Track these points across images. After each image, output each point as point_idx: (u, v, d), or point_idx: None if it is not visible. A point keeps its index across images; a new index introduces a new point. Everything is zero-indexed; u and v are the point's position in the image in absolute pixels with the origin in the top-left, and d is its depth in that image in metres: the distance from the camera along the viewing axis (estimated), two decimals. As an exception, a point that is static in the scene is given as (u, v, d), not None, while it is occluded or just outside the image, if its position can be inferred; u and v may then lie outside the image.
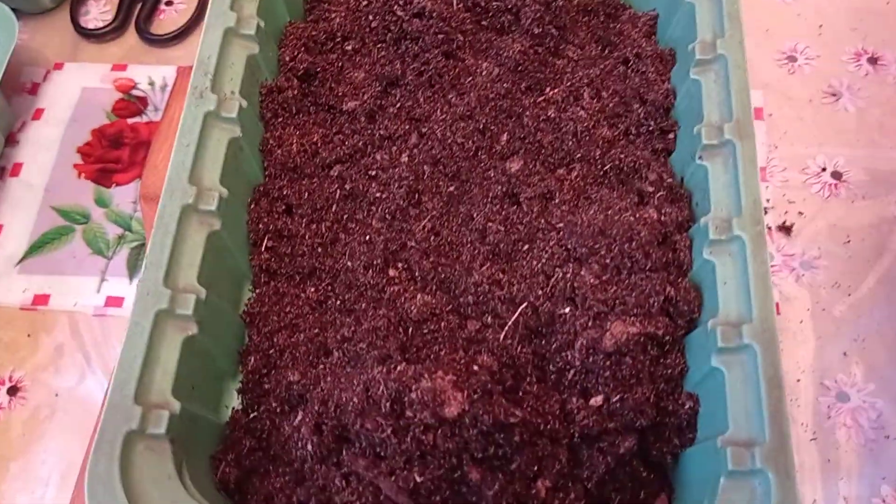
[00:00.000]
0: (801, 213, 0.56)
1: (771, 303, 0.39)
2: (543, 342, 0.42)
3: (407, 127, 0.50)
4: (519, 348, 0.42)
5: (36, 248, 0.56)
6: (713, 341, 0.38)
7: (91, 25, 0.65)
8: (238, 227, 0.45)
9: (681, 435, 0.40)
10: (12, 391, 0.51)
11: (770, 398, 0.36)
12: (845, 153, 0.59)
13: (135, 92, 0.63)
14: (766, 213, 0.56)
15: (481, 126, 0.49)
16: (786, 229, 0.56)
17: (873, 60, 0.63)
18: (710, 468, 0.37)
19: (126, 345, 0.37)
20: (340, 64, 0.52)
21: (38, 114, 0.62)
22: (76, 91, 0.63)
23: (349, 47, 0.52)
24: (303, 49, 0.51)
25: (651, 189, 0.46)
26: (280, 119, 0.50)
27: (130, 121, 0.61)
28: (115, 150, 0.60)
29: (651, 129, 0.49)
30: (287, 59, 0.51)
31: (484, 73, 0.50)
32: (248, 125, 0.45)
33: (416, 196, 0.48)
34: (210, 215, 0.41)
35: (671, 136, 0.48)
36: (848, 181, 0.58)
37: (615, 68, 0.51)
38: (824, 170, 0.58)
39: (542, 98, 0.50)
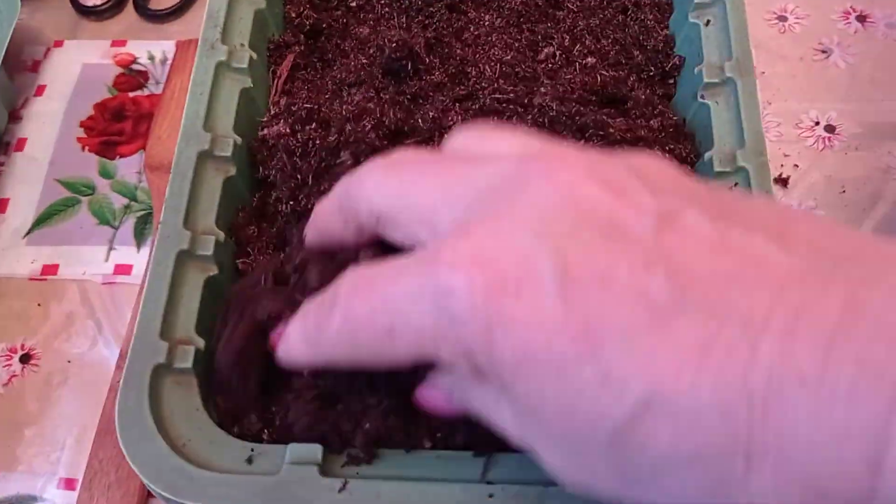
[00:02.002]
0: (796, 166, 0.57)
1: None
2: None
3: None
4: None
5: (43, 219, 0.56)
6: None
7: (90, 3, 0.66)
8: (250, 177, 0.46)
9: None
10: (25, 359, 0.51)
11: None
12: (838, 107, 0.60)
13: (135, 66, 0.63)
14: (762, 165, 0.57)
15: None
16: (782, 181, 0.57)
17: (862, 18, 0.64)
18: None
19: (149, 284, 0.37)
20: (345, 20, 0.53)
21: (39, 90, 0.62)
22: (77, 67, 0.63)
23: (353, 4, 0.53)
24: (308, 6, 0.52)
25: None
26: (288, 74, 0.50)
27: (132, 94, 0.62)
28: (117, 123, 0.60)
29: (652, 74, 0.50)
30: (293, 15, 0.51)
31: (486, 24, 0.51)
32: (258, 78, 0.46)
33: None
34: (225, 161, 0.42)
35: (671, 81, 0.50)
36: (841, 134, 0.59)
37: (614, 18, 0.52)
38: (818, 123, 0.59)
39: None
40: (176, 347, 0.36)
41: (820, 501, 0.21)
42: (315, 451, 0.34)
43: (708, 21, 0.47)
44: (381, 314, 0.27)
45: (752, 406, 0.21)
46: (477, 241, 0.25)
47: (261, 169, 0.44)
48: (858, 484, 0.20)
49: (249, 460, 0.34)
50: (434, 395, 0.32)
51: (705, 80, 0.44)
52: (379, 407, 0.34)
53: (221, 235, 0.40)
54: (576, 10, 0.53)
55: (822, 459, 0.20)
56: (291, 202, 0.42)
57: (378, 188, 0.30)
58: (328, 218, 0.33)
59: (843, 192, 0.56)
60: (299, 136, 0.42)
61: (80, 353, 0.52)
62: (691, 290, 0.22)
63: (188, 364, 0.36)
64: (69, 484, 0.47)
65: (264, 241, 0.42)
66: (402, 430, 0.35)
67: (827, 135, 0.59)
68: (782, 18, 0.64)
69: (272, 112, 0.45)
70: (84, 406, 0.50)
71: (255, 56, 0.45)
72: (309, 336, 0.30)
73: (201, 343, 0.37)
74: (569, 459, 0.26)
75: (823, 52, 0.62)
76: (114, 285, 0.54)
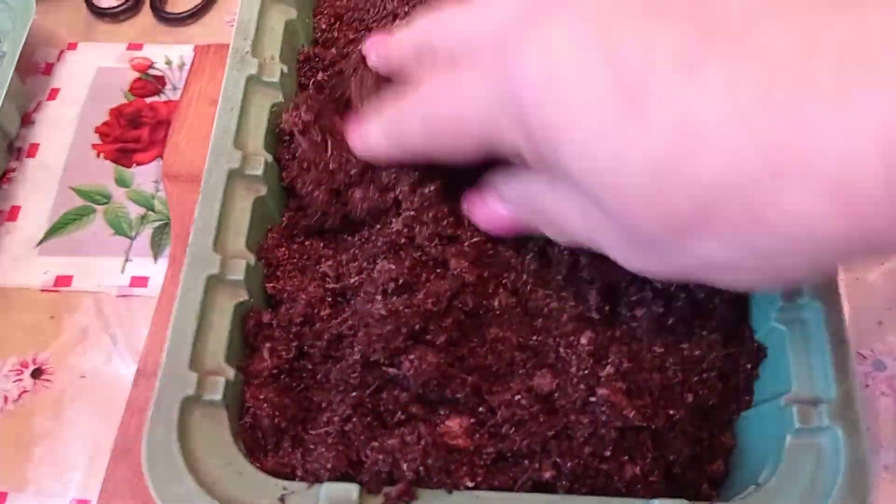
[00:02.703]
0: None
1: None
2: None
3: None
4: None
5: (56, 229, 0.55)
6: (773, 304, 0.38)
7: (105, 4, 0.64)
8: (281, 196, 0.44)
9: (737, 399, 0.39)
10: (36, 374, 0.50)
11: (836, 354, 0.36)
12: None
13: (152, 71, 0.61)
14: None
15: None
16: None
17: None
18: (772, 429, 0.36)
19: (178, 311, 0.36)
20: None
21: (53, 94, 0.60)
22: (91, 71, 0.61)
23: (380, 16, 0.52)
24: (336, 19, 0.50)
25: None
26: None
27: (148, 100, 0.60)
28: (134, 130, 0.59)
29: None
30: (323, 26, 0.50)
31: None
32: (288, 93, 0.44)
33: None
34: (256, 181, 0.40)
35: None
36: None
37: None
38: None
39: None
40: (205, 379, 0.35)
41: (844, 206, 0.23)
42: (350, 490, 0.33)
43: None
44: (455, 105, 0.33)
45: (773, 127, 0.23)
46: (536, 33, 0.29)
47: (283, 174, 0.43)
48: (874, 173, 0.22)
49: (282, 500, 0.33)
50: (489, 203, 0.37)
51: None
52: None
53: (252, 259, 0.38)
54: None
55: (844, 162, 0.23)
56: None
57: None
58: (402, 54, 0.39)
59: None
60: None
61: (94, 368, 0.50)
62: (714, 37, 0.25)
63: (218, 396, 0.35)
64: (82, 506, 0.45)
65: (295, 263, 0.41)
66: (443, 470, 0.33)
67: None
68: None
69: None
70: (98, 424, 0.48)
71: (285, 69, 0.44)
72: (389, 130, 0.37)
73: (231, 373, 0.35)
74: (624, 242, 0.31)
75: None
76: (130, 298, 0.52)
